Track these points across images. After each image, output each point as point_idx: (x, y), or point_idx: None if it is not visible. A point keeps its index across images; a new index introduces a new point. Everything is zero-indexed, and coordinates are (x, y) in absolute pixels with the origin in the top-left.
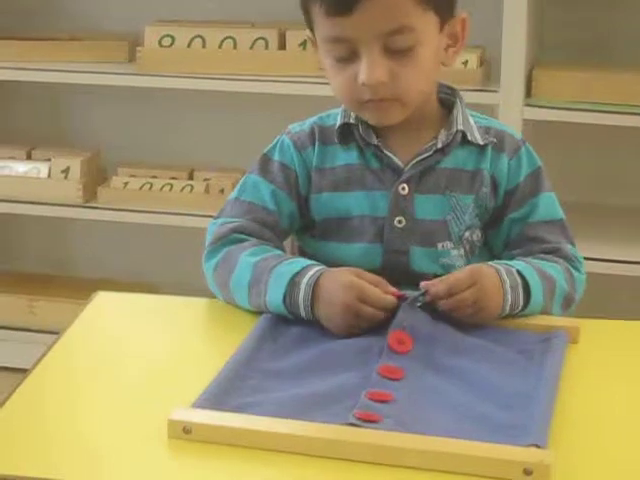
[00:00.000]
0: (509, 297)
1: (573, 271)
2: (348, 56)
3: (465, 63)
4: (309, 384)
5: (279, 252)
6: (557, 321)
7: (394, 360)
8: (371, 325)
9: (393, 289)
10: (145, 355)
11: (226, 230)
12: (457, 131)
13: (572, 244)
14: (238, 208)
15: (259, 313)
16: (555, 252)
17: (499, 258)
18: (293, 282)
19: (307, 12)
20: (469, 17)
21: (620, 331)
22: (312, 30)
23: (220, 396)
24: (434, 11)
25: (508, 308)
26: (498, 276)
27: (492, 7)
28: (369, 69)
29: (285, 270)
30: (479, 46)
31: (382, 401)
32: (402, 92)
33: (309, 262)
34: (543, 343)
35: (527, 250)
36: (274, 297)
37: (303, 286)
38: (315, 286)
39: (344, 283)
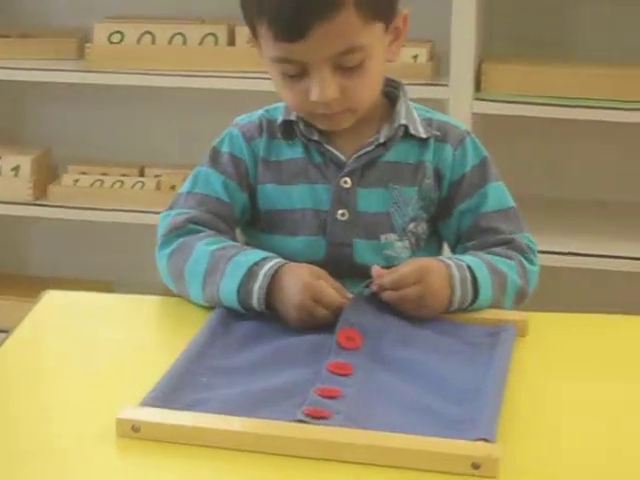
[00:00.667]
0: (458, 292)
1: (526, 264)
2: (297, 73)
3: (415, 57)
4: (259, 381)
5: (236, 243)
6: (506, 315)
7: (343, 356)
8: (324, 324)
9: (350, 295)
10: (95, 354)
11: (181, 220)
12: (399, 125)
13: (524, 233)
14: (191, 200)
15: (211, 309)
16: (509, 243)
17: (453, 251)
18: (251, 271)
19: (252, 26)
20: (410, 13)
21: (568, 324)
22: (257, 40)
23: (169, 393)
24: (379, 20)
25: (457, 303)
26: (447, 271)
27: (441, 1)
28: (320, 88)
29: (244, 259)
30: (429, 40)
31: (331, 397)
32: (354, 103)
33: (269, 254)
34: (491, 337)
35: (481, 242)
36: (228, 285)
37: (261, 276)
38: (274, 277)
39: (303, 281)
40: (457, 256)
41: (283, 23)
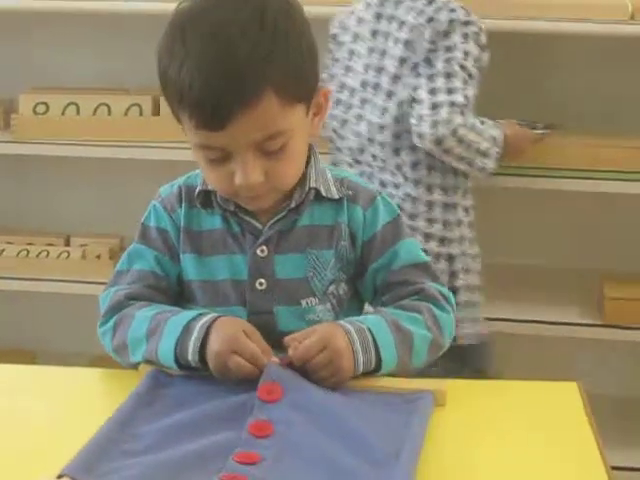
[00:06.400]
0: (360, 357)
1: (438, 312)
2: (221, 158)
3: None
4: (181, 446)
5: (175, 308)
6: (424, 383)
7: (264, 412)
8: (241, 375)
9: (274, 359)
10: (19, 426)
11: (120, 297)
12: (310, 189)
13: (437, 282)
14: (129, 277)
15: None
16: (419, 292)
17: (371, 306)
18: (187, 327)
19: (173, 111)
20: (329, 91)
21: (488, 391)
22: (180, 123)
23: (89, 463)
24: (300, 102)
25: (362, 367)
26: (347, 337)
27: None
28: (245, 173)
29: (180, 318)
30: None
31: (249, 463)
32: (278, 184)
33: (205, 311)
34: (409, 404)
35: (394, 295)
36: (166, 343)
37: (196, 329)
38: (207, 329)
39: (225, 332)
40: (360, 318)
41: (204, 115)
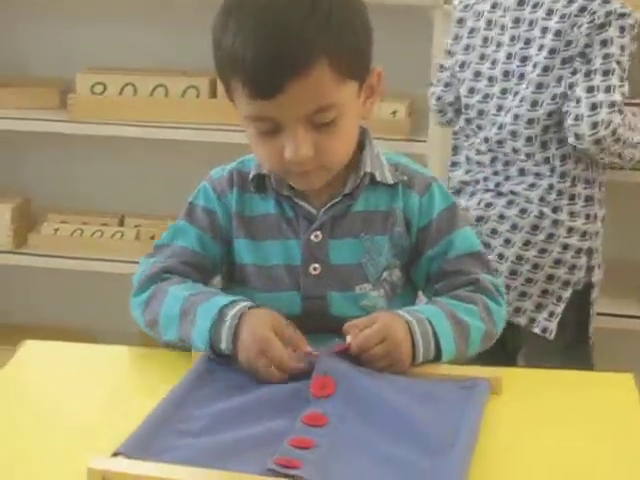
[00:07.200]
0: (421, 347)
1: (491, 304)
2: (271, 130)
3: (394, 113)
4: (235, 431)
5: (209, 288)
6: (479, 371)
7: (318, 406)
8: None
9: (308, 349)
10: (73, 404)
11: (156, 270)
12: (365, 174)
13: (491, 274)
14: (169, 251)
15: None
16: (474, 284)
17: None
18: (221, 313)
19: (227, 85)
20: (388, 69)
21: (543, 381)
22: (231, 96)
23: (145, 440)
24: (353, 79)
25: (421, 357)
26: (408, 327)
27: (421, 58)
28: (294, 146)
29: (214, 303)
30: (408, 96)
31: (303, 447)
32: (327, 161)
33: (238, 297)
34: (464, 390)
35: (447, 284)
36: (201, 326)
37: (229, 318)
38: (240, 319)
39: (256, 333)
40: (418, 308)
41: (257, 81)
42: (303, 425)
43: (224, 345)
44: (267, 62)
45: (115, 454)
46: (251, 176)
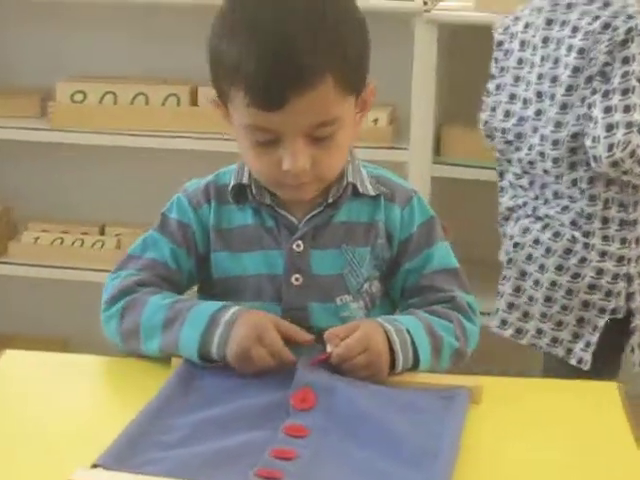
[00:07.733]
0: (400, 357)
1: (465, 323)
2: (269, 141)
3: (375, 121)
4: (215, 442)
5: (190, 297)
6: (459, 380)
7: (299, 418)
8: (262, 368)
9: (309, 337)
10: (53, 414)
11: (130, 283)
12: (347, 184)
13: (466, 292)
14: (140, 263)
15: (165, 366)
16: (449, 301)
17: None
18: (213, 319)
19: (222, 91)
20: (377, 84)
21: (524, 389)
22: (224, 103)
23: (123, 453)
24: (352, 93)
25: (400, 366)
26: (387, 337)
27: (402, 67)
28: (293, 158)
29: (204, 308)
30: (389, 104)
31: (285, 458)
32: (323, 174)
33: (228, 303)
34: (444, 400)
35: (423, 299)
36: (190, 333)
37: (222, 324)
38: (233, 324)
39: (251, 320)
40: (397, 317)
41: (262, 93)
42: (284, 436)
43: (215, 349)
44: (274, 75)
45: (94, 466)
46: (230, 186)
